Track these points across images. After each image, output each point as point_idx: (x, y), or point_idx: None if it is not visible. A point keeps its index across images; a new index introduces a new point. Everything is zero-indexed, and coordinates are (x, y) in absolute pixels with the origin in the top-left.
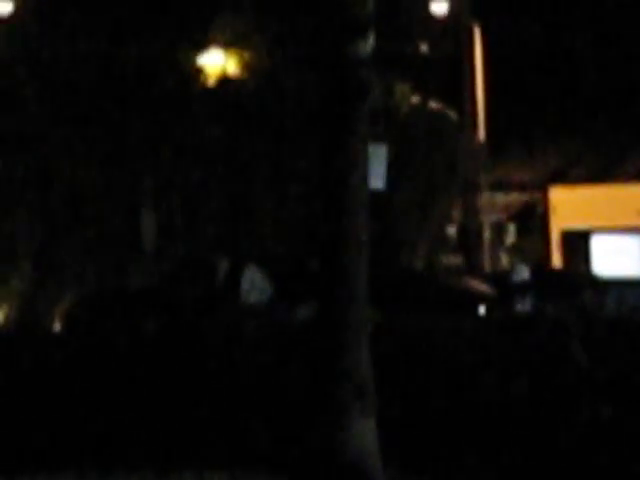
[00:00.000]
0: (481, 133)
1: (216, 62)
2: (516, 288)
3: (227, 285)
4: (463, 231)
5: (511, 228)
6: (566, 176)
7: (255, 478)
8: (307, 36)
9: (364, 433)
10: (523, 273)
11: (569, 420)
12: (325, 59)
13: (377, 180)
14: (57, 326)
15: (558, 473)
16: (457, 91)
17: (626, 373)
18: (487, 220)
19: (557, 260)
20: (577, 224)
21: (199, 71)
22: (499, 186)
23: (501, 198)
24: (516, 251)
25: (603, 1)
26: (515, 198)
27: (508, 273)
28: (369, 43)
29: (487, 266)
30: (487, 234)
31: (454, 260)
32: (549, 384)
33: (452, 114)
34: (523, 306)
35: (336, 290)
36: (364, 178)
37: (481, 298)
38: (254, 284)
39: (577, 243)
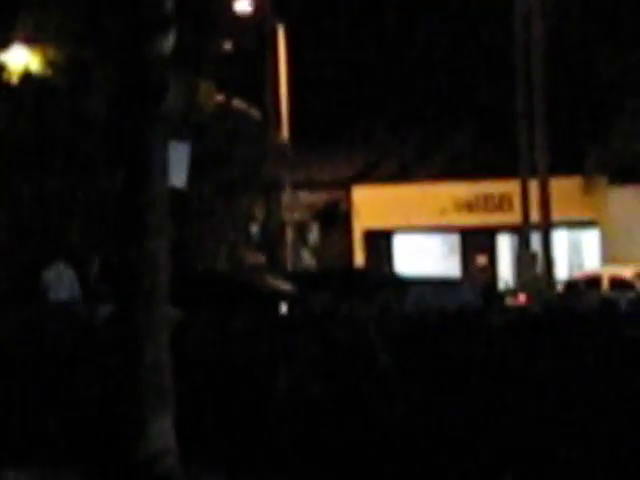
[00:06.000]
0: (284, 131)
1: (19, 59)
2: (317, 285)
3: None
4: (266, 230)
5: (314, 227)
6: (370, 175)
7: (55, 473)
8: (109, 34)
9: (162, 430)
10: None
11: (367, 418)
12: (124, 56)
13: (178, 178)
14: None
15: (356, 472)
16: (261, 90)
17: (424, 371)
18: (290, 219)
19: (360, 259)
20: (380, 223)
21: (1, 68)
22: (302, 185)
23: (304, 197)
24: (319, 249)
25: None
26: (318, 197)
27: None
28: (169, 41)
29: (290, 264)
30: (290, 232)
31: (257, 258)
32: (348, 383)
33: (255, 112)
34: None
35: (134, 289)
36: (164, 176)
37: (282, 296)
38: (61, 281)
39: (379, 242)
